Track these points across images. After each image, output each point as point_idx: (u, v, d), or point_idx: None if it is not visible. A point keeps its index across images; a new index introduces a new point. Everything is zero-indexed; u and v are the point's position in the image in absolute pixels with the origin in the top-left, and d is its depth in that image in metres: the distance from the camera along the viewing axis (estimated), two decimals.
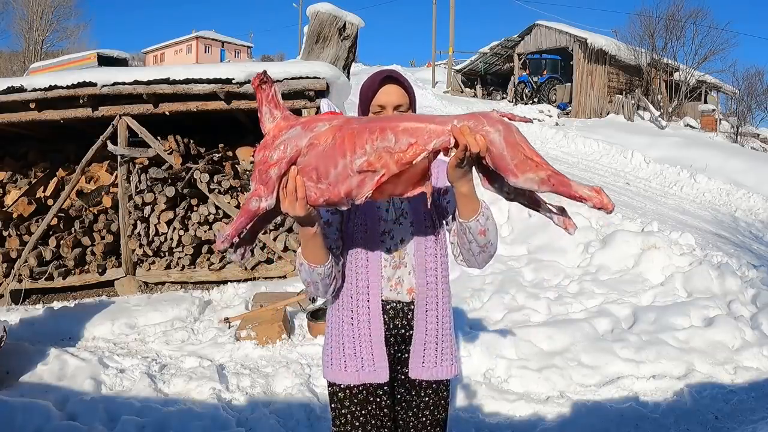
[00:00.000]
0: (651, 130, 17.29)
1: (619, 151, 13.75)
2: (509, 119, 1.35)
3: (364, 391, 1.66)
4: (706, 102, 20.58)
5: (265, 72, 1.40)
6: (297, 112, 6.28)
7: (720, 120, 18.99)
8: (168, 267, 6.63)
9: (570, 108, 21.00)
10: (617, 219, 7.79)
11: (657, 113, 18.99)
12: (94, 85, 6.13)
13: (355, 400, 1.66)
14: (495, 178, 1.41)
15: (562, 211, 1.45)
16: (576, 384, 3.90)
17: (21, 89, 6.22)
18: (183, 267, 6.61)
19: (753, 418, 3.43)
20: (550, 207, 1.45)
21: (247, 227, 1.43)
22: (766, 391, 3.78)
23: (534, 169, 1.31)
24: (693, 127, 18.37)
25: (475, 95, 25.26)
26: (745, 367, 4.09)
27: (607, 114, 19.80)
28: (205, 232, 6.64)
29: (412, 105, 1.64)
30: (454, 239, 1.62)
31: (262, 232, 1.53)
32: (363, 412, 1.66)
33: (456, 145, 1.32)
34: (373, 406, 1.66)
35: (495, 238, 1.55)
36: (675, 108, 19.53)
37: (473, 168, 1.39)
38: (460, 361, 3.96)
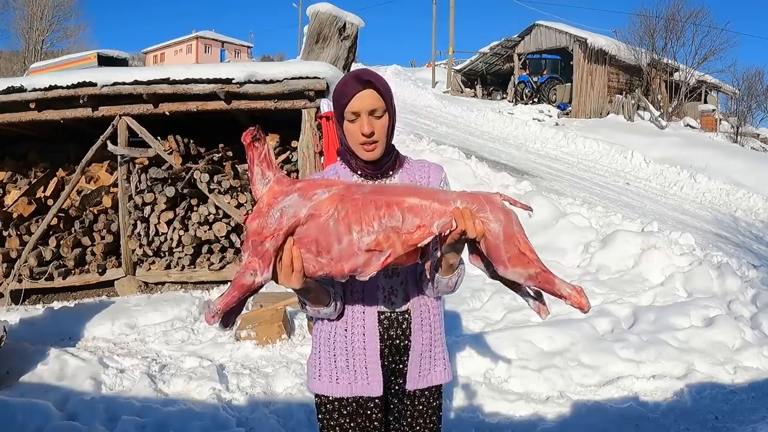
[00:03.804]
0: (651, 130, 17.29)
1: (619, 151, 13.75)
2: (510, 204, 1.38)
3: (354, 404, 1.61)
4: (706, 102, 20.57)
5: (257, 128, 1.35)
6: (297, 112, 6.28)
7: (720, 120, 18.98)
8: (168, 267, 6.63)
9: (570, 108, 20.99)
10: (617, 219, 7.79)
11: (657, 113, 18.98)
12: (94, 85, 6.13)
13: (344, 412, 1.61)
14: (483, 258, 1.41)
15: (538, 295, 1.47)
16: (576, 384, 3.90)
17: (21, 89, 6.22)
18: (183, 267, 6.61)
19: (753, 418, 3.43)
20: (528, 291, 1.47)
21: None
22: (766, 391, 3.78)
23: (525, 265, 1.33)
24: (693, 127, 18.36)
25: (475, 95, 25.24)
26: (745, 367, 4.09)
27: (607, 114, 19.80)
28: (205, 232, 6.64)
29: (389, 108, 1.56)
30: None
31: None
32: (352, 425, 1.61)
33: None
34: (363, 419, 1.61)
35: (457, 288, 1.59)
36: (675, 108, 19.52)
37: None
38: (453, 365, 3.97)
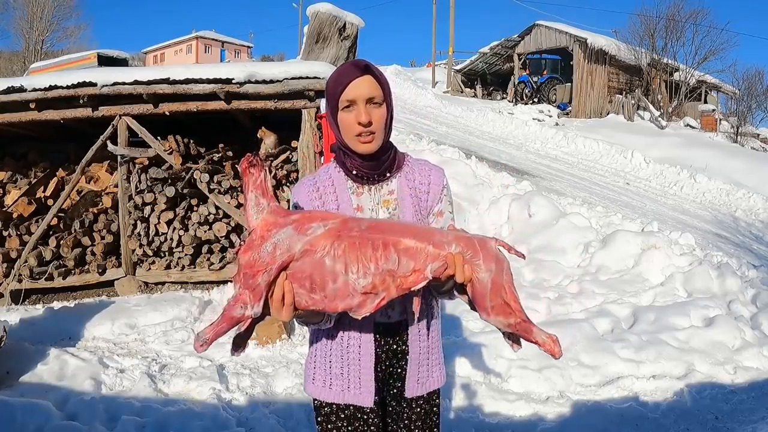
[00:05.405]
0: (651, 130, 17.30)
1: (619, 151, 13.76)
2: (505, 250, 1.40)
3: (351, 407, 1.60)
4: (706, 102, 20.59)
5: (255, 155, 1.34)
6: (297, 112, 6.28)
7: (720, 120, 19.00)
8: (168, 267, 6.62)
9: (570, 108, 21.00)
10: (617, 219, 7.79)
11: (657, 113, 18.99)
12: (94, 85, 6.12)
13: (341, 416, 1.60)
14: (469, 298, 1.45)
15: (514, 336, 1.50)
16: (576, 384, 3.90)
17: (21, 89, 6.21)
18: (183, 267, 6.60)
19: (753, 418, 3.43)
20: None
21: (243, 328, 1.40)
22: (766, 391, 3.78)
23: (506, 315, 1.37)
24: (693, 127, 18.37)
25: (475, 95, 25.24)
26: (745, 367, 4.09)
27: (607, 114, 19.81)
28: (205, 232, 6.63)
29: (386, 97, 1.50)
30: None
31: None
32: (350, 428, 1.61)
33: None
34: (361, 423, 1.61)
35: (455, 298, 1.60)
36: (675, 108, 19.54)
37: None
38: (453, 366, 3.97)
